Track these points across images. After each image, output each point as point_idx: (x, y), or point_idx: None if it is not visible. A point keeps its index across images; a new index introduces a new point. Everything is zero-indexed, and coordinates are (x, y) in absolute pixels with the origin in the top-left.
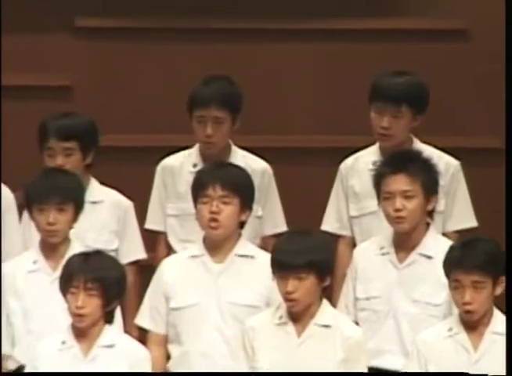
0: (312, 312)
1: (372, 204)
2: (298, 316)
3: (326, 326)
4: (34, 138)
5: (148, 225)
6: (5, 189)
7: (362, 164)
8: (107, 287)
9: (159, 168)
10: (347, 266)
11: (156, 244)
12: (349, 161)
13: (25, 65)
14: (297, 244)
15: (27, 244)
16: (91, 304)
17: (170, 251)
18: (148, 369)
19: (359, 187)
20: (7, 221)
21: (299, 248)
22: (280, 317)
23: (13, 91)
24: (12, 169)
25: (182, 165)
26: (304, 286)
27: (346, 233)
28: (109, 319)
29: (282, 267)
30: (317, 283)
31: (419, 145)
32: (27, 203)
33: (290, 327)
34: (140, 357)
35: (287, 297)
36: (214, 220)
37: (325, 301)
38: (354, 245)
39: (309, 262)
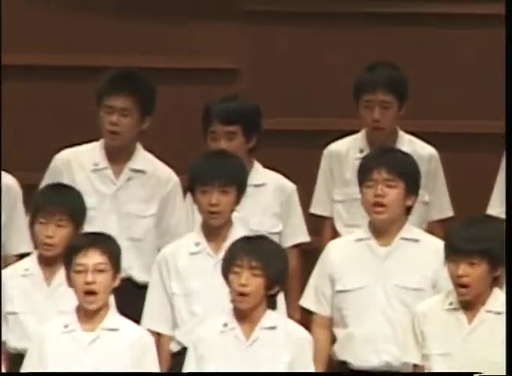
0: (483, 299)
1: None
2: (469, 303)
3: (499, 313)
4: (199, 121)
5: (314, 210)
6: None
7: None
8: (270, 270)
9: (325, 153)
10: None
11: (322, 229)
12: None
13: (193, 49)
14: (473, 231)
15: (190, 227)
16: (254, 283)
17: (336, 236)
18: (310, 352)
19: None
20: (171, 205)
21: (475, 235)
22: (450, 303)
23: (182, 73)
24: (179, 153)
25: (349, 151)
26: (476, 272)
27: None
28: (271, 304)
29: (455, 252)
30: (489, 271)
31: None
32: (191, 185)
33: (461, 314)
34: (302, 340)
35: (458, 281)
36: (379, 204)
37: (496, 289)
38: None
39: (483, 250)
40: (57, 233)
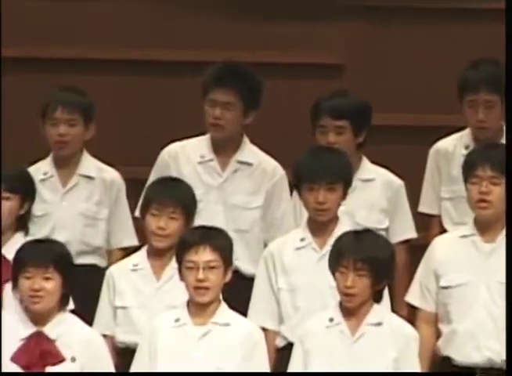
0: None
1: None
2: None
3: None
4: (305, 115)
5: (421, 209)
6: None
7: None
8: (377, 268)
9: (432, 151)
10: None
11: (430, 226)
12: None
13: (299, 44)
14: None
15: (297, 221)
16: (360, 284)
17: (443, 233)
18: (416, 349)
19: None
20: (276, 197)
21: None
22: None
23: (289, 69)
24: (285, 147)
25: (455, 148)
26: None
27: None
28: (377, 298)
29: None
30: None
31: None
32: (296, 181)
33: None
34: (408, 336)
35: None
36: (484, 201)
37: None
38: None
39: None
40: (169, 225)
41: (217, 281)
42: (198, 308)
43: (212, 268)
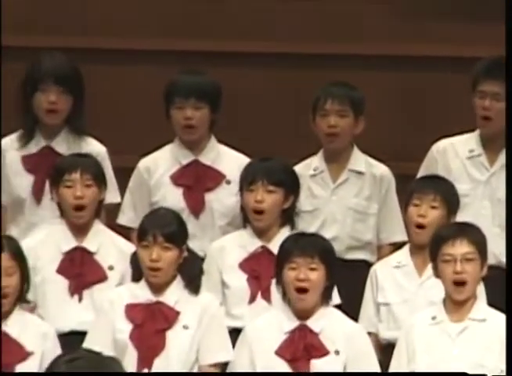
0: None
1: None
2: None
3: None
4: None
5: None
6: None
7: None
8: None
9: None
10: None
11: None
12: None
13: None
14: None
15: None
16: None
17: None
18: None
19: None
20: None
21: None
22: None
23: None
24: None
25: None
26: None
27: None
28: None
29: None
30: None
31: None
32: None
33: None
34: None
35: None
36: None
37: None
38: None
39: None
40: (428, 214)
41: (474, 274)
42: (455, 304)
43: (469, 260)
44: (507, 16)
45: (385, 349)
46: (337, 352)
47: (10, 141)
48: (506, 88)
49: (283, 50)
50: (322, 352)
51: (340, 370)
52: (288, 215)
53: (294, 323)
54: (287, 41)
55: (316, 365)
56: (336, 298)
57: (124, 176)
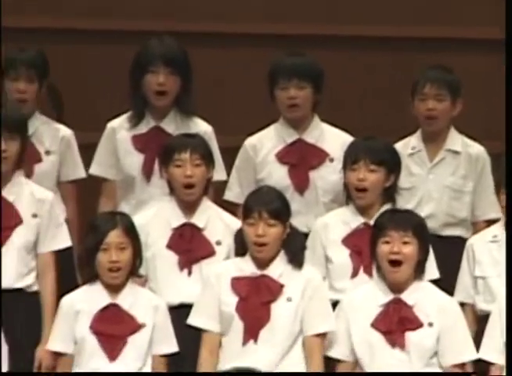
0: None
1: None
2: None
3: None
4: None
5: None
6: None
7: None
8: None
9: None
10: None
11: None
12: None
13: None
14: None
15: None
16: None
17: None
18: None
19: None
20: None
21: None
22: None
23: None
24: None
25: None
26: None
27: None
28: None
29: None
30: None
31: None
32: None
33: None
34: None
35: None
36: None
37: None
38: None
39: None
40: None
41: None
42: None
43: None
44: (507, 17)
45: (482, 321)
46: (430, 325)
47: (121, 121)
48: (507, 88)
49: (381, 34)
50: (417, 324)
51: (433, 341)
52: (389, 193)
53: (389, 296)
54: (385, 24)
55: (411, 337)
56: (435, 273)
57: (226, 155)
